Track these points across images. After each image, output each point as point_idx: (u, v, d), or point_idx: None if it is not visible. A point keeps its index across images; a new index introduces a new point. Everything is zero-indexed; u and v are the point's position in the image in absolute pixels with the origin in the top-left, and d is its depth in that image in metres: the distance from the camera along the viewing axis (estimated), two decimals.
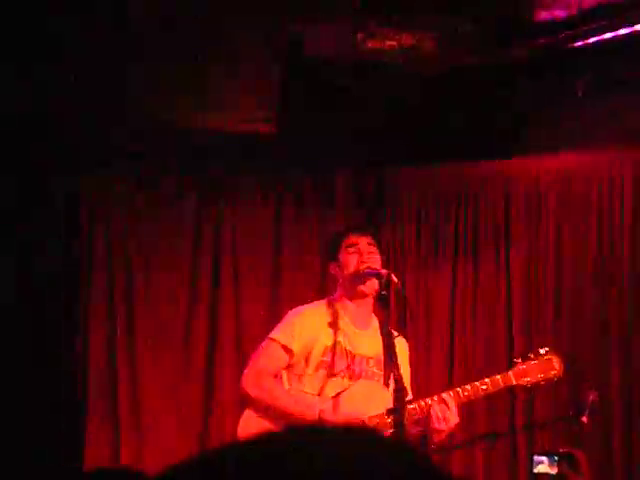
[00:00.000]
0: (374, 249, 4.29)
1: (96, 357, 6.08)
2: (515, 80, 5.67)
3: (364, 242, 4.29)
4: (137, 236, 6.21)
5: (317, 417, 4.08)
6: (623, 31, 4.67)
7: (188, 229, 6.29)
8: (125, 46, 4.82)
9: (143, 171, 6.21)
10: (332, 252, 4.37)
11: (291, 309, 4.71)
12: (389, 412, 3.97)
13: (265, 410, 4.14)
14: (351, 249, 4.27)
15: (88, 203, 6.14)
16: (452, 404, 4.08)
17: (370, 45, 4.63)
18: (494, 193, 6.16)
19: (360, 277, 4.22)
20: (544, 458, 3.21)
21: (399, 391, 3.84)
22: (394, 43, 4.65)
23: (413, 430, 4.10)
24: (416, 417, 4.08)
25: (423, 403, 4.10)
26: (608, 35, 4.71)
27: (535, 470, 3.21)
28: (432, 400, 4.09)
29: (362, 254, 4.25)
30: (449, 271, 6.24)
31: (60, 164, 5.80)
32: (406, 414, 3.93)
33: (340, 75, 5.53)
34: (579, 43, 4.81)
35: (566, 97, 5.65)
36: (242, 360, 6.10)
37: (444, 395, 4.11)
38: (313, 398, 4.14)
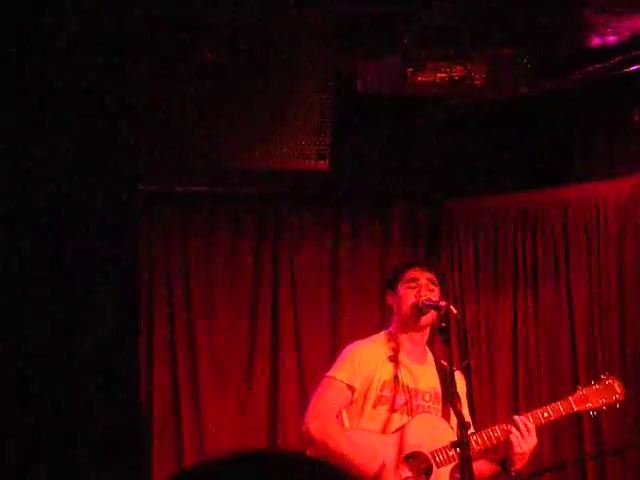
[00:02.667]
0: (434, 287, 4.27)
1: (160, 394, 6.12)
2: (570, 108, 5.64)
3: (424, 278, 4.27)
4: (197, 272, 6.27)
5: (377, 470, 4.03)
6: None
7: (247, 265, 6.34)
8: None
9: (199, 209, 6.28)
10: (391, 283, 4.36)
11: (349, 342, 4.67)
12: (453, 445, 3.95)
13: (328, 454, 4.08)
14: (412, 284, 4.25)
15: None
16: (529, 426, 4.06)
17: (421, 78, 4.64)
18: (552, 221, 6.10)
19: (419, 309, 4.20)
20: None
21: (462, 425, 3.81)
22: (445, 76, 4.65)
23: (491, 456, 4.10)
24: (493, 443, 4.07)
25: (499, 430, 4.08)
26: None
27: None
28: (507, 426, 4.07)
29: (421, 289, 4.23)
30: (510, 301, 6.18)
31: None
32: (472, 445, 3.93)
33: (392, 109, 5.55)
34: (633, 68, 4.76)
35: (622, 123, 5.59)
36: (303, 391, 6.14)
37: (518, 418, 4.09)
38: (375, 446, 4.09)
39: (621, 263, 5.86)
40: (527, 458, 4.09)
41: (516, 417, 4.13)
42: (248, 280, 6.32)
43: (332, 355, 6.14)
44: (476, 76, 4.60)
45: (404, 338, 4.27)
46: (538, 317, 6.10)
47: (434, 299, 4.21)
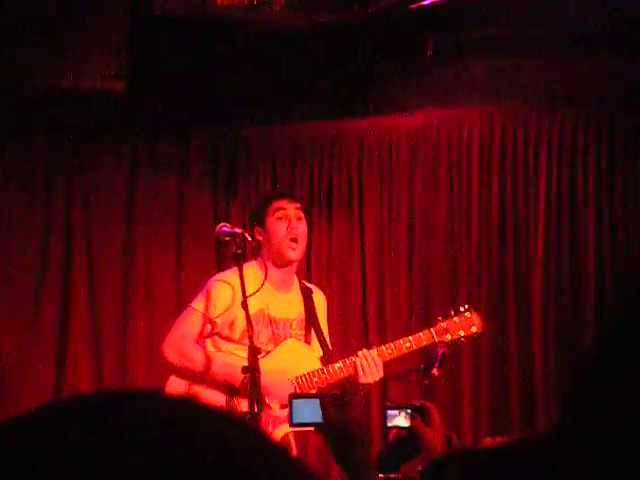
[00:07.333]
0: (302, 215, 4.32)
1: None
2: (368, 39, 5.71)
3: (292, 208, 4.31)
4: None
5: (242, 379, 4.05)
6: None
7: (39, 189, 6.11)
8: None
9: None
10: (258, 217, 4.37)
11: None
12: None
13: (189, 375, 4.16)
14: (278, 213, 4.27)
15: None
16: (378, 360, 4.18)
17: (221, 2, 4.58)
18: (348, 151, 6.21)
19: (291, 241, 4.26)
20: (397, 411, 3.27)
21: (326, 354, 3.93)
22: None
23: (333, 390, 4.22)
24: (344, 375, 4.19)
25: (348, 361, 4.21)
26: None
27: (389, 424, 3.27)
28: (357, 356, 4.18)
29: (290, 220, 4.27)
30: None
31: None
32: (325, 376, 4.15)
33: (193, 34, 5.46)
34: (428, 1, 4.88)
35: (417, 56, 5.72)
36: (95, 322, 6.05)
37: (371, 351, 4.21)
38: (239, 360, 4.10)
39: (411, 192, 6.07)
40: (366, 392, 4.25)
41: (370, 350, 4.25)
42: (39, 209, 6.09)
43: (125, 280, 6.08)
44: (275, 1, 4.59)
45: (273, 269, 4.28)
46: (331, 246, 6.22)
47: (233, 226, 4.23)
